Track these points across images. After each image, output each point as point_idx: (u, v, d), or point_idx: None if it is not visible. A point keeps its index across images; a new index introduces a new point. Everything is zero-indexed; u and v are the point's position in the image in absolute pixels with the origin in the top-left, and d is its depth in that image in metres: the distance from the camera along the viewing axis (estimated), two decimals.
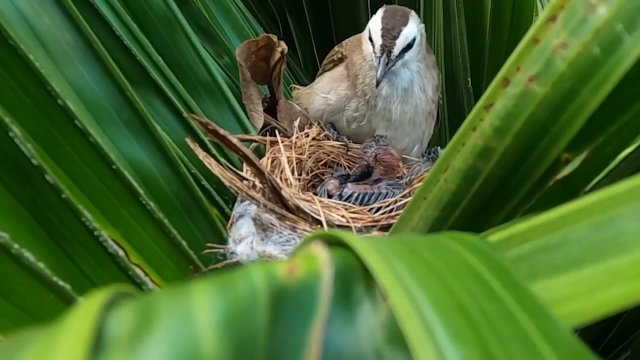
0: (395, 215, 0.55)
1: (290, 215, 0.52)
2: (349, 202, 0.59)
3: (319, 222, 0.52)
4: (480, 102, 0.27)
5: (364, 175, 0.67)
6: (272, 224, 0.52)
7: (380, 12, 0.67)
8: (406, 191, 0.60)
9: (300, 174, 0.67)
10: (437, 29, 0.86)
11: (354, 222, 0.53)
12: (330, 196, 0.61)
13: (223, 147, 0.59)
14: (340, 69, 0.74)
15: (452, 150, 0.29)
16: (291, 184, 0.63)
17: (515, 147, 0.26)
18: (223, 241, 0.52)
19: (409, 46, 0.65)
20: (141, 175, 0.49)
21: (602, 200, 0.21)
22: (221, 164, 0.55)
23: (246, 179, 0.57)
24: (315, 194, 0.62)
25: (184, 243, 0.49)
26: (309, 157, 0.70)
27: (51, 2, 0.46)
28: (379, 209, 0.57)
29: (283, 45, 0.71)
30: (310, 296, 0.18)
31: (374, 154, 0.66)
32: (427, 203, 0.31)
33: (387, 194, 0.60)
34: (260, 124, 0.70)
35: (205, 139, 0.59)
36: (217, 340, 0.16)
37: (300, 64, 1.03)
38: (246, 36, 0.80)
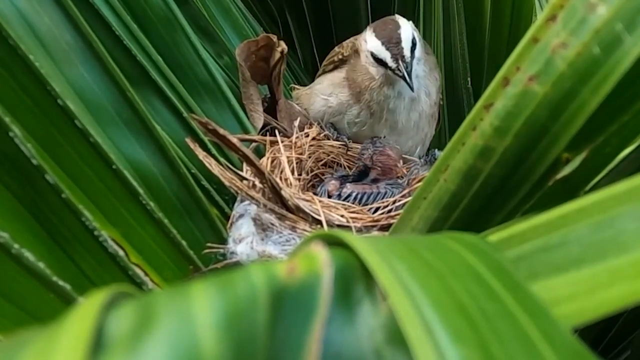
0: (395, 215, 0.55)
1: (290, 215, 0.52)
2: (348, 201, 0.59)
3: (319, 222, 0.52)
4: (480, 101, 0.27)
5: (362, 176, 0.67)
6: (272, 224, 0.52)
7: (370, 33, 0.67)
8: (406, 191, 0.60)
9: (300, 174, 0.67)
10: (437, 29, 0.86)
11: (353, 222, 0.53)
12: (330, 196, 0.61)
13: (223, 147, 0.59)
14: (340, 74, 0.74)
15: (452, 150, 0.29)
16: (291, 184, 0.63)
17: (515, 147, 0.26)
18: (223, 241, 0.52)
19: (414, 44, 0.66)
20: (141, 175, 0.49)
21: (602, 200, 0.21)
22: (221, 164, 0.55)
23: (246, 179, 0.57)
24: (315, 194, 0.62)
25: (184, 243, 0.49)
26: (309, 157, 0.70)
27: (51, 2, 0.46)
28: (378, 208, 0.57)
29: (283, 45, 0.71)
30: (310, 296, 0.18)
31: (370, 155, 0.66)
32: (427, 203, 0.31)
33: (385, 193, 0.60)
34: (260, 124, 0.70)
35: (205, 139, 0.59)
36: (217, 340, 0.16)
37: (300, 64, 1.03)
38: (246, 36, 0.80)
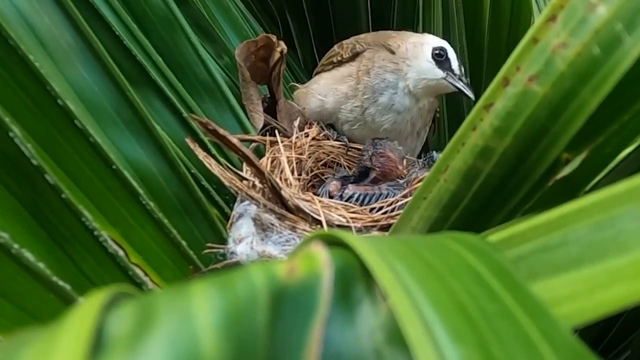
0: (395, 215, 0.55)
1: (290, 215, 0.52)
2: (350, 202, 0.59)
3: (319, 222, 0.52)
4: (480, 102, 0.27)
5: (363, 176, 0.67)
6: (272, 224, 0.52)
7: (440, 39, 0.70)
8: (406, 191, 0.60)
9: (300, 174, 0.67)
10: (436, 29, 0.86)
11: (353, 222, 0.53)
12: (331, 197, 0.61)
13: (223, 147, 0.59)
14: (345, 70, 0.74)
15: (452, 150, 0.29)
16: (291, 184, 0.63)
17: (515, 147, 0.26)
18: (223, 241, 0.52)
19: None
20: (141, 175, 0.49)
21: (602, 200, 0.21)
22: (221, 164, 0.55)
23: (246, 179, 0.57)
24: (316, 194, 0.62)
25: (184, 243, 0.49)
26: (309, 157, 0.70)
27: (51, 2, 0.46)
28: (379, 209, 0.57)
29: (282, 46, 0.71)
30: (310, 296, 0.18)
31: (370, 156, 0.66)
32: (427, 203, 0.31)
33: (387, 194, 0.60)
34: (260, 125, 0.70)
35: (205, 139, 0.59)
36: (217, 340, 0.16)
37: (300, 64, 1.03)
38: (246, 36, 0.80)
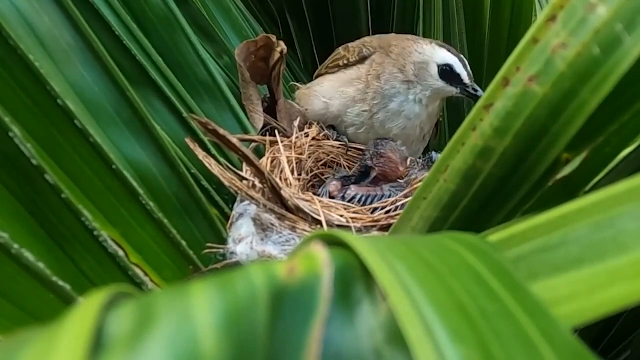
0: (395, 215, 0.55)
1: (290, 215, 0.52)
2: (352, 204, 0.59)
3: (319, 222, 0.52)
4: (480, 102, 0.27)
5: (363, 176, 0.67)
6: (272, 224, 0.52)
7: (435, 46, 0.68)
8: (406, 191, 0.60)
9: (300, 174, 0.67)
10: (437, 28, 0.86)
11: (353, 222, 0.53)
12: (332, 197, 0.61)
13: (223, 147, 0.59)
14: (352, 73, 0.73)
15: (452, 151, 0.29)
16: (291, 184, 0.63)
17: (515, 147, 0.26)
18: (223, 241, 0.52)
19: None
20: (141, 175, 0.49)
21: (602, 200, 0.21)
22: (221, 164, 0.55)
23: (246, 179, 0.57)
24: (316, 194, 0.62)
25: (184, 243, 0.49)
26: (309, 157, 0.70)
27: (51, 2, 0.46)
28: (381, 209, 0.57)
29: (282, 46, 0.71)
30: (310, 296, 0.18)
31: (371, 157, 0.66)
32: (427, 203, 0.31)
33: (390, 195, 0.60)
34: (260, 125, 0.70)
35: (205, 139, 0.59)
36: (217, 340, 0.16)
37: (300, 64, 1.03)
38: (246, 36, 0.80)
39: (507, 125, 0.26)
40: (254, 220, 0.52)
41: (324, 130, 0.74)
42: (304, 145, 0.70)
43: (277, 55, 0.71)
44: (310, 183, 0.70)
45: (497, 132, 0.26)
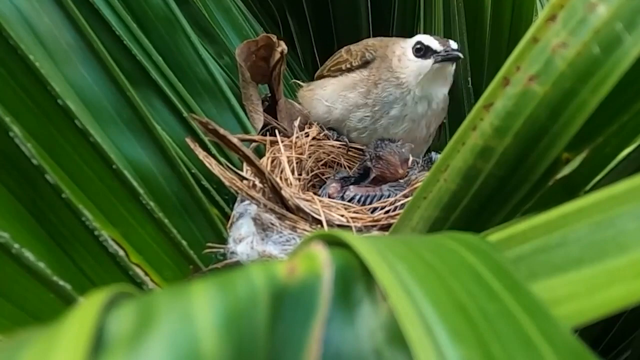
0: (395, 215, 0.55)
1: (290, 215, 0.52)
2: (351, 204, 0.59)
3: (319, 222, 0.52)
4: (480, 101, 0.27)
5: (363, 176, 0.67)
6: (272, 224, 0.52)
7: (417, 36, 0.69)
8: (406, 191, 0.60)
9: (300, 174, 0.67)
10: (437, 28, 0.86)
11: (354, 222, 0.53)
12: (331, 199, 0.61)
13: (223, 147, 0.59)
14: (355, 76, 0.73)
15: (452, 150, 0.29)
16: (291, 184, 0.63)
17: (515, 147, 0.26)
18: (223, 241, 0.52)
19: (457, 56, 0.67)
20: (141, 175, 0.49)
21: (602, 200, 0.21)
22: (221, 164, 0.55)
23: (246, 179, 0.57)
24: (316, 194, 0.62)
25: (184, 243, 0.49)
26: (309, 157, 0.70)
27: (51, 2, 0.46)
28: (380, 208, 0.57)
29: (283, 46, 0.71)
30: (310, 296, 0.18)
31: (371, 158, 0.66)
32: (427, 203, 0.31)
33: (389, 195, 0.60)
34: (260, 125, 0.70)
35: (206, 139, 0.59)
36: (217, 340, 0.16)
37: (300, 64, 1.03)
38: (246, 36, 0.80)
39: (507, 125, 0.26)
40: (254, 220, 0.52)
41: (324, 130, 0.74)
42: (304, 145, 0.70)
43: (277, 55, 0.71)
44: (311, 183, 0.70)
45: (497, 131, 0.26)
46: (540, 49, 0.24)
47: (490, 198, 0.29)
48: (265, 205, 0.51)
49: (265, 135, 0.71)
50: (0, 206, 0.37)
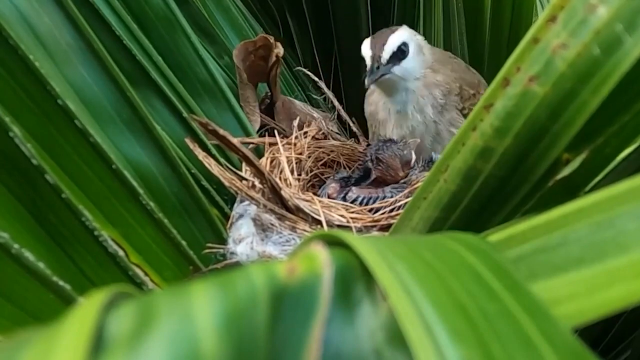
0: (395, 215, 0.55)
1: (290, 215, 0.52)
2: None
3: (319, 222, 0.52)
4: (480, 102, 0.27)
5: (364, 176, 0.67)
6: (272, 224, 0.52)
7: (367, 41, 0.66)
8: (406, 191, 0.60)
9: (299, 174, 0.67)
10: (437, 28, 0.86)
11: (354, 222, 0.53)
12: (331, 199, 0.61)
13: (223, 147, 0.59)
14: None
15: (452, 151, 0.29)
16: (291, 184, 0.63)
17: (515, 147, 0.26)
18: (223, 241, 0.52)
19: (401, 52, 0.64)
20: (141, 175, 0.49)
21: (602, 200, 0.21)
22: (221, 164, 0.55)
23: (246, 179, 0.57)
24: (316, 194, 0.61)
25: (184, 243, 0.49)
26: (309, 157, 0.70)
27: (51, 2, 0.46)
28: (379, 209, 0.57)
29: (279, 48, 0.71)
30: (310, 296, 0.18)
31: (372, 160, 0.66)
32: (427, 203, 0.31)
33: (391, 197, 0.60)
34: (257, 126, 0.70)
35: (205, 139, 0.59)
36: (217, 340, 0.16)
37: (300, 64, 1.03)
38: (246, 36, 0.80)
39: (507, 125, 0.26)
40: (254, 220, 0.52)
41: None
42: (303, 145, 0.70)
43: (274, 57, 0.71)
44: (310, 183, 0.70)
45: (497, 132, 0.26)
46: (540, 49, 0.24)
47: (491, 198, 0.29)
48: (265, 206, 0.51)
49: (265, 135, 0.71)
50: (0, 206, 0.37)
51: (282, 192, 0.52)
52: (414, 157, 0.66)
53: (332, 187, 0.64)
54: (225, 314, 0.17)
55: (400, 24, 0.79)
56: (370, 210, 0.57)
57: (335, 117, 0.83)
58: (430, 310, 0.17)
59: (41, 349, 0.17)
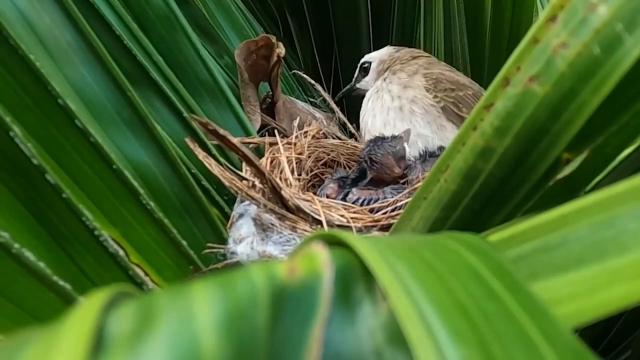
0: (395, 215, 0.55)
1: (290, 215, 0.52)
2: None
3: (319, 222, 0.52)
4: (481, 101, 0.27)
5: (361, 176, 0.67)
6: (272, 224, 0.52)
7: None
8: (407, 191, 0.60)
9: (300, 174, 0.67)
10: (437, 29, 0.86)
11: (354, 222, 0.53)
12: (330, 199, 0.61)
13: (223, 147, 0.59)
14: None
15: (452, 150, 0.29)
16: (291, 184, 0.63)
17: (515, 147, 0.26)
18: (223, 241, 0.52)
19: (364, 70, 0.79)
20: (141, 175, 0.49)
21: (602, 200, 0.21)
22: (221, 164, 0.55)
23: (246, 179, 0.57)
24: (315, 194, 0.61)
25: (184, 243, 0.49)
26: (309, 157, 0.70)
27: (51, 2, 0.46)
28: (379, 209, 0.57)
29: (281, 48, 0.71)
30: (310, 296, 0.18)
31: (366, 160, 0.66)
32: (427, 203, 0.31)
33: (392, 198, 0.60)
34: (257, 126, 0.70)
35: (206, 139, 0.59)
36: (217, 340, 0.16)
37: (300, 64, 1.03)
38: (246, 36, 0.80)
39: (507, 125, 0.26)
40: (254, 220, 0.52)
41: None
42: (303, 145, 0.70)
43: (275, 57, 0.71)
44: (310, 183, 0.70)
45: (498, 131, 0.26)
46: (540, 49, 0.24)
47: (491, 198, 0.29)
48: (265, 206, 0.51)
49: (265, 135, 0.71)
50: (1, 206, 0.37)
51: (283, 192, 0.52)
52: (407, 149, 0.66)
53: (330, 187, 0.63)
54: (226, 314, 0.17)
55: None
56: (370, 210, 0.57)
57: (337, 117, 0.83)
58: (430, 310, 0.17)
59: (41, 349, 0.17)
